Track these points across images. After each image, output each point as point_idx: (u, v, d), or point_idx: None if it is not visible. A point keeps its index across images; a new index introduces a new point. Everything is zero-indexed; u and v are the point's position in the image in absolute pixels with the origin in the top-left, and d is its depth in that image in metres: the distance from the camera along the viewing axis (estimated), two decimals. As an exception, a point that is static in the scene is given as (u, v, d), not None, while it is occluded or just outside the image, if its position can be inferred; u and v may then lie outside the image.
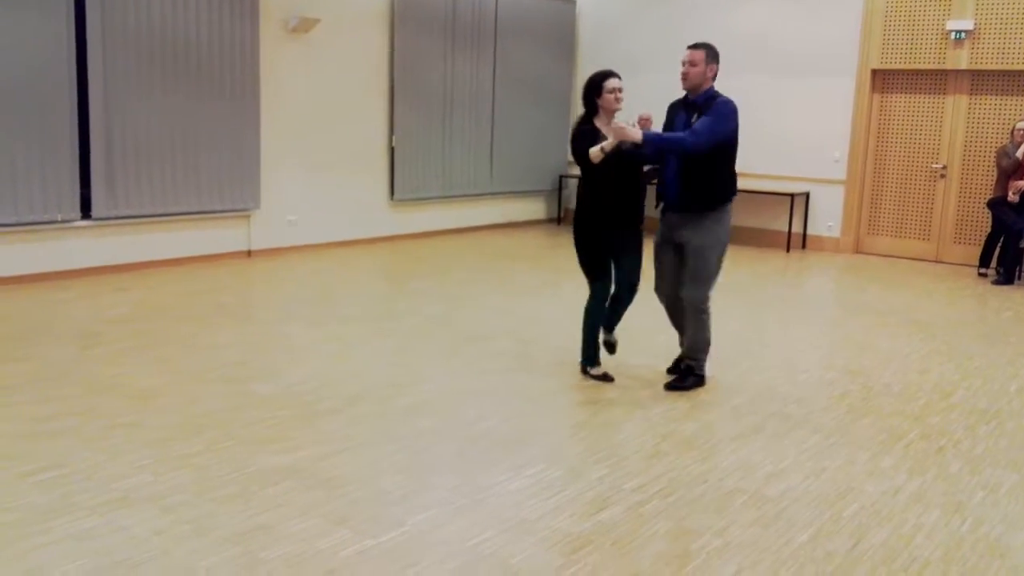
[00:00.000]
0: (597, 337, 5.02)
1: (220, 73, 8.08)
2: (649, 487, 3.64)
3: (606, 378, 4.98)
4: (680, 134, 4.54)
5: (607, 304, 5.00)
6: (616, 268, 4.91)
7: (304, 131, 8.93)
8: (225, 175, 8.23)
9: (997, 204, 8.99)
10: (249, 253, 8.58)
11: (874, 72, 10.18)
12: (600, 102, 4.71)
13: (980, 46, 9.55)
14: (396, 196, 9.98)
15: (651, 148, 4.53)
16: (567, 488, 3.60)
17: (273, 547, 3.03)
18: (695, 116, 4.65)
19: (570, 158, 11.84)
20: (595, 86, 4.71)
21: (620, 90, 4.73)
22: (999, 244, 9.11)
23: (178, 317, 6.16)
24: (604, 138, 4.62)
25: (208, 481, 3.54)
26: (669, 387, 4.89)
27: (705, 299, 4.78)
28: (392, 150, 9.86)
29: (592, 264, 4.87)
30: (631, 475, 3.75)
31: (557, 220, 12.18)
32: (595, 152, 4.55)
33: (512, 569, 2.94)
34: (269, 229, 8.72)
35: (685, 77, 4.68)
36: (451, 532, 3.19)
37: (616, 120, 4.60)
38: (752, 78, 10.52)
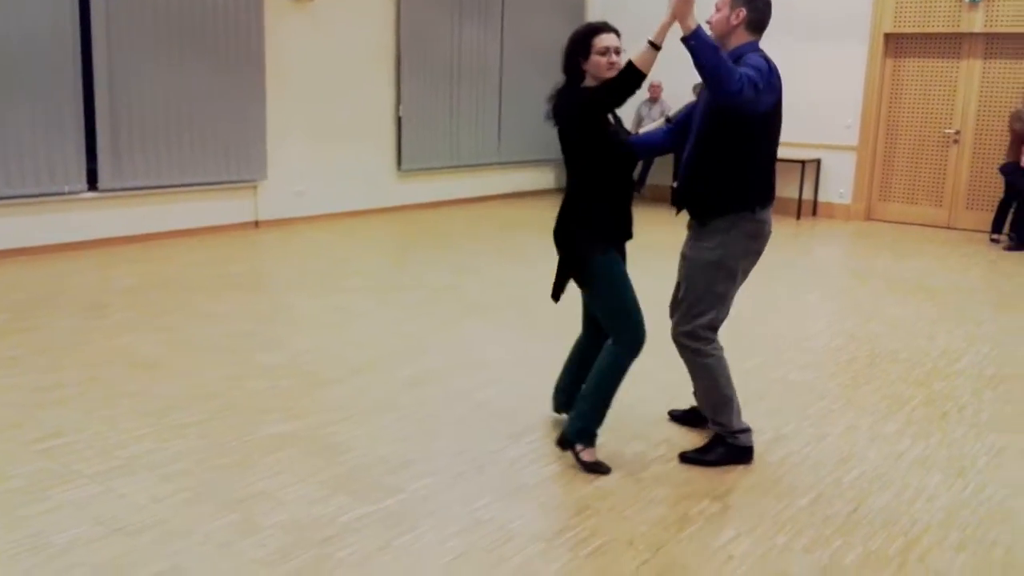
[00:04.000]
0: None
1: (225, 42, 8.03)
2: (649, 453, 3.63)
3: (600, 468, 3.45)
4: (724, 58, 3.10)
5: (578, 356, 3.74)
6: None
7: (310, 101, 8.88)
8: (231, 146, 8.21)
9: (1010, 169, 8.89)
10: (256, 224, 8.58)
11: (887, 36, 10.03)
12: (587, 66, 3.29)
13: (995, 9, 9.39)
14: (403, 166, 9.93)
15: (700, 49, 3.04)
16: (566, 454, 3.59)
17: (272, 513, 3.04)
18: None
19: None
20: (581, 44, 3.29)
21: (617, 50, 3.28)
22: (1012, 210, 9.01)
23: (184, 288, 6.18)
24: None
25: (209, 449, 3.55)
26: (685, 458, 3.56)
27: (694, 335, 3.44)
28: (399, 120, 9.81)
29: (632, 298, 3.41)
30: (631, 440, 3.74)
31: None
32: (646, 57, 3.16)
33: (510, 533, 2.95)
34: (276, 200, 8.71)
35: (708, 27, 3.27)
36: (450, 498, 3.20)
37: None
38: (763, 43, 10.37)
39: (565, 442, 3.53)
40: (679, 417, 3.94)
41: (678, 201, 3.53)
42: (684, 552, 2.87)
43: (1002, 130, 9.55)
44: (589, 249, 3.37)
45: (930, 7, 9.73)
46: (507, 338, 5.23)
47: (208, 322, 5.36)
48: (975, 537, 3.04)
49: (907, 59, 10.11)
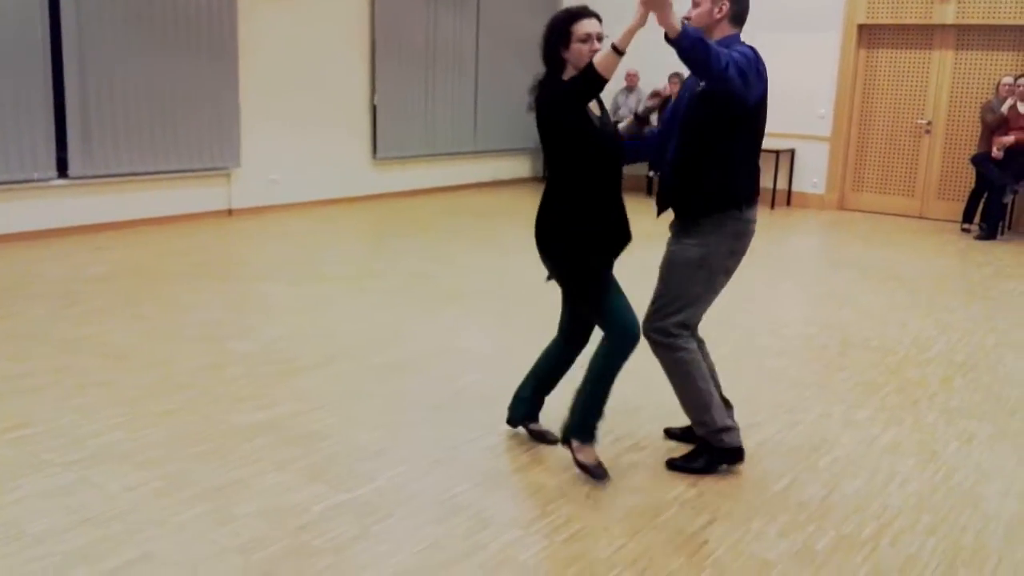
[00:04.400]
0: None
1: (197, 28, 7.93)
2: (625, 440, 3.65)
3: (596, 472, 3.28)
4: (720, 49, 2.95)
5: (548, 366, 3.53)
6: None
7: (284, 88, 8.80)
8: (204, 133, 8.13)
9: (981, 160, 8.98)
10: (230, 212, 8.50)
11: (860, 27, 10.10)
12: (568, 55, 3.10)
13: (967, 1, 9.47)
14: (379, 155, 9.88)
15: (693, 48, 2.82)
16: (540, 444, 3.60)
17: (247, 502, 3.02)
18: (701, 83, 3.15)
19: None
20: (560, 32, 3.10)
21: (599, 37, 3.08)
22: (983, 200, 9.11)
23: (156, 276, 6.11)
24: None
25: (183, 438, 3.52)
26: (672, 466, 3.43)
27: (665, 331, 3.29)
28: (374, 108, 9.75)
29: (623, 302, 3.24)
30: (608, 429, 3.73)
31: (542, 178, 12.10)
32: (607, 61, 2.91)
33: (486, 521, 2.95)
34: (250, 188, 8.63)
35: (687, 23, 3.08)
36: (426, 485, 3.19)
37: None
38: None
39: (566, 439, 3.34)
40: (677, 435, 3.68)
41: (662, 201, 3.35)
42: (659, 537, 2.89)
43: (973, 121, 9.64)
44: (581, 261, 3.17)
45: (903, -2, 9.81)
46: (484, 326, 5.23)
47: (181, 311, 5.31)
48: (946, 522, 3.07)
49: (880, 50, 10.19)
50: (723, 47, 3.04)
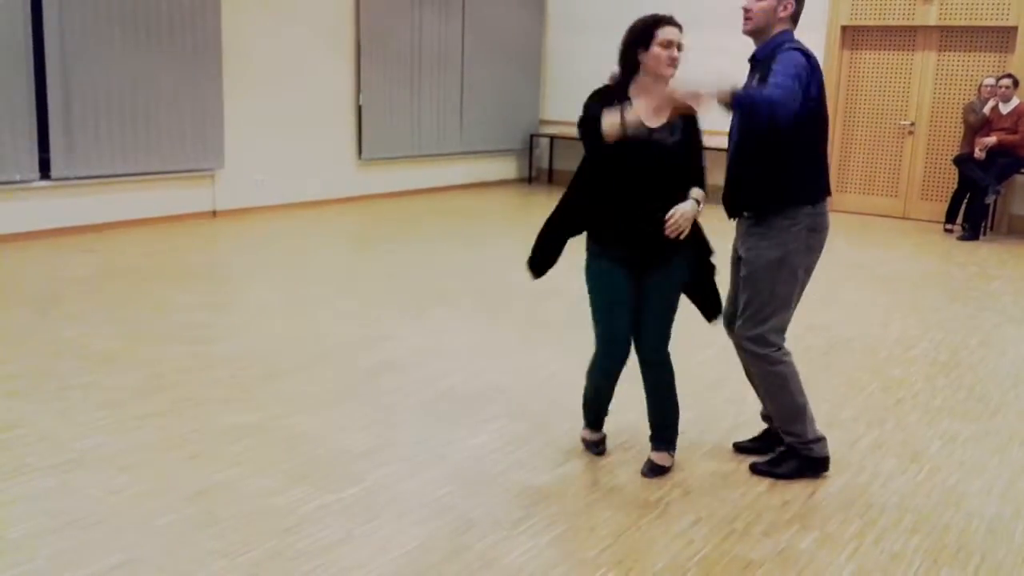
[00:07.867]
0: (597, 400, 3.47)
1: (180, 28, 7.90)
2: (611, 439, 3.65)
3: (597, 447, 3.57)
4: (764, 90, 2.93)
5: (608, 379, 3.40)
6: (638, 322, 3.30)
7: (268, 89, 8.77)
8: (188, 134, 8.09)
9: (964, 161, 9.04)
10: (214, 213, 8.47)
11: (844, 28, 10.15)
12: (645, 58, 3.08)
13: (949, 2, 9.54)
14: (364, 155, 9.86)
15: (748, 103, 2.91)
16: (530, 442, 3.61)
17: (231, 505, 3.01)
18: (756, 79, 3.19)
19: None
20: (642, 33, 3.08)
21: (679, 46, 3.09)
22: (965, 200, 9.17)
23: (140, 278, 6.08)
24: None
25: (166, 441, 3.50)
26: (756, 470, 3.42)
27: (761, 340, 3.24)
28: (359, 108, 9.73)
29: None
30: (593, 429, 3.76)
31: (528, 180, 12.11)
32: (613, 126, 2.99)
33: (472, 522, 2.95)
34: (234, 189, 8.60)
35: (747, 18, 3.24)
36: (412, 487, 3.19)
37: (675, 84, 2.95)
38: (722, 34, 10.44)
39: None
40: (746, 448, 3.61)
41: (732, 202, 3.33)
42: (645, 537, 2.89)
43: (956, 122, 9.71)
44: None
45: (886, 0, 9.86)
46: (469, 327, 5.22)
47: (165, 313, 5.28)
48: (929, 520, 3.09)
49: (863, 51, 10.25)
50: (777, 44, 3.16)
